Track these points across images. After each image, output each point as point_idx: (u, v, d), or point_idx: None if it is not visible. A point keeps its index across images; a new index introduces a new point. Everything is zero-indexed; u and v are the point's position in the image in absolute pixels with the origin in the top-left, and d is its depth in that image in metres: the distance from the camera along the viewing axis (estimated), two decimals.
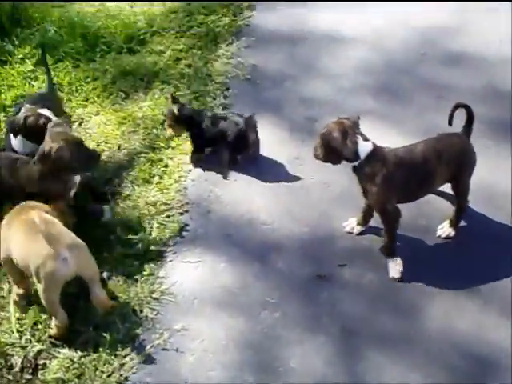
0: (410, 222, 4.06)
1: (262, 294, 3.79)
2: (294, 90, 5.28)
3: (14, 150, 4.19)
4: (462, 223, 4.07)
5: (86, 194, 4.26)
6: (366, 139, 3.72)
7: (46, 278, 3.36)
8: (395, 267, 3.85)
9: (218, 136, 4.54)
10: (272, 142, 4.69)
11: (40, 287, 3.42)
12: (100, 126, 5.01)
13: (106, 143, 4.87)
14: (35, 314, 3.69)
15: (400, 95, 5.19)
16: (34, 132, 4.08)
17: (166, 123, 4.76)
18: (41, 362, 3.49)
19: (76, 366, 3.42)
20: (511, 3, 5.99)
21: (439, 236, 4.03)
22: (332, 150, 3.75)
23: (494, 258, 3.91)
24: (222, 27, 5.97)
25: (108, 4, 6.37)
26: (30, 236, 3.44)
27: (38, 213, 3.54)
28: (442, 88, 5.16)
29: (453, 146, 3.84)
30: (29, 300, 3.73)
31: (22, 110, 4.20)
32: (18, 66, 5.57)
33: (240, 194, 4.42)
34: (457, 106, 3.87)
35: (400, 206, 3.85)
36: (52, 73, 5.33)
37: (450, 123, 3.87)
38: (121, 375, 3.40)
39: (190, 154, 4.67)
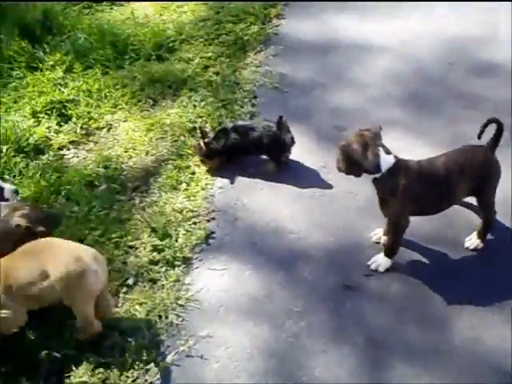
0: (438, 234, 4.05)
1: (287, 302, 3.78)
2: (322, 98, 5.28)
3: None
4: (491, 235, 4.03)
5: None
6: (388, 152, 3.69)
7: (84, 291, 3.37)
8: (383, 262, 3.88)
9: (254, 145, 4.57)
10: (299, 150, 4.68)
11: (74, 302, 3.43)
12: (128, 133, 5.04)
13: (133, 149, 4.90)
14: (61, 318, 3.70)
15: (428, 105, 5.16)
16: None
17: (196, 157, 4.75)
18: (67, 365, 3.50)
19: (101, 370, 3.42)
20: (511, 3, 5.99)
21: (467, 248, 3.99)
22: (353, 163, 3.73)
23: None
24: (250, 35, 6.00)
25: (137, 12, 6.42)
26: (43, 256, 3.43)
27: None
28: (470, 98, 5.13)
29: (476, 160, 3.79)
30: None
31: None
32: (48, 72, 5.62)
33: (266, 202, 4.42)
34: (489, 122, 3.82)
35: (427, 217, 3.83)
36: (81, 79, 5.41)
37: (479, 137, 3.82)
38: (145, 381, 3.41)
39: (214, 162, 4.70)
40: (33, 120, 5.15)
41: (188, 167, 4.69)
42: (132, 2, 6.62)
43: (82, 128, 5.11)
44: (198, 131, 4.69)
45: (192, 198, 4.44)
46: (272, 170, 4.60)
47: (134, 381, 3.39)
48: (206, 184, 4.56)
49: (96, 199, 4.45)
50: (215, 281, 3.93)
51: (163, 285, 3.88)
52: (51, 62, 5.73)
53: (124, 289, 3.88)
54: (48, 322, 3.68)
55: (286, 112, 4.68)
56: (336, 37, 5.98)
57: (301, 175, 4.59)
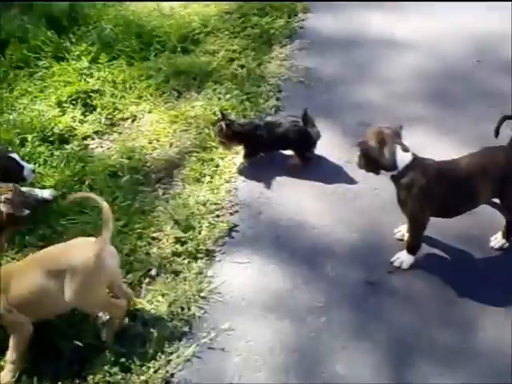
0: (463, 232, 4.02)
1: (310, 297, 3.77)
2: (347, 94, 5.26)
3: None
4: None
5: None
6: (405, 149, 3.68)
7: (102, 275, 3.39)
8: (406, 259, 3.86)
9: (280, 140, 4.55)
10: (323, 145, 4.65)
11: (91, 296, 3.44)
12: (152, 124, 5.05)
13: (157, 141, 4.90)
14: None
15: (453, 103, 5.12)
16: None
17: (216, 139, 4.72)
18: (89, 354, 3.51)
19: (123, 360, 3.43)
20: (511, 3, 5.93)
21: (492, 247, 3.96)
22: (370, 160, 3.73)
23: None
24: (276, 29, 5.98)
25: (163, 4, 6.42)
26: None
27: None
28: (497, 96, 5.07)
29: (497, 162, 3.72)
30: None
31: None
32: (74, 62, 5.64)
33: (290, 196, 4.41)
34: (505, 118, 3.78)
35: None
36: (107, 70, 5.43)
37: (496, 135, 3.77)
38: (167, 372, 3.41)
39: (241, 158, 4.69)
40: (58, 109, 5.18)
41: (212, 160, 4.68)
42: None
43: (106, 118, 5.14)
44: (219, 114, 4.66)
45: (215, 191, 4.44)
46: (297, 165, 4.58)
47: (155, 372, 3.40)
48: (230, 177, 4.56)
49: (119, 190, 4.46)
50: (238, 274, 3.93)
51: (186, 277, 3.89)
52: (77, 53, 5.75)
53: (147, 279, 3.89)
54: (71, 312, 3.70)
55: (310, 106, 4.65)
56: (362, 32, 5.95)
57: (325, 170, 4.57)
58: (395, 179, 3.73)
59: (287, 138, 4.50)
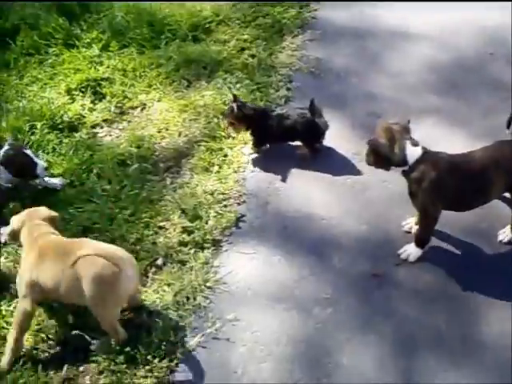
0: (471, 226, 4.01)
1: (316, 289, 3.76)
2: (358, 85, 5.21)
3: None
4: None
5: None
6: (415, 144, 3.66)
7: (114, 298, 3.35)
8: (414, 252, 3.84)
9: (288, 132, 4.53)
10: (333, 136, 4.62)
11: (100, 311, 3.40)
12: (162, 113, 5.03)
13: (166, 130, 4.89)
14: None
15: (466, 94, 5.07)
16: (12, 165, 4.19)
17: (225, 121, 4.71)
18: (94, 343, 3.52)
19: (128, 349, 3.43)
20: (511, 3, 5.85)
21: (500, 241, 3.93)
22: (381, 157, 3.72)
23: None
24: (287, 19, 5.92)
25: None
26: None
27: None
28: (509, 89, 5.02)
29: (510, 155, 3.69)
30: None
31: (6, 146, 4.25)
32: (84, 50, 5.63)
33: (298, 187, 4.39)
34: None
35: None
36: (117, 58, 5.42)
37: (508, 126, 3.74)
38: (171, 361, 3.42)
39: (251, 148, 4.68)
40: (67, 97, 5.18)
41: (221, 149, 4.67)
42: None
43: (115, 107, 5.13)
44: (231, 96, 4.64)
45: (223, 181, 4.43)
46: (305, 156, 4.56)
47: (159, 361, 3.41)
48: (238, 167, 4.54)
49: (127, 178, 4.46)
50: (244, 264, 3.92)
51: (192, 266, 3.89)
52: (88, 40, 5.73)
53: (153, 269, 3.90)
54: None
55: (320, 97, 4.64)
56: (374, 23, 5.89)
57: (334, 162, 4.54)
58: (406, 174, 3.71)
59: (295, 129, 4.48)
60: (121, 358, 3.40)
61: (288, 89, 5.18)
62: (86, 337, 3.52)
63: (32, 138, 4.70)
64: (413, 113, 4.75)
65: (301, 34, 5.79)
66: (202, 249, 3.99)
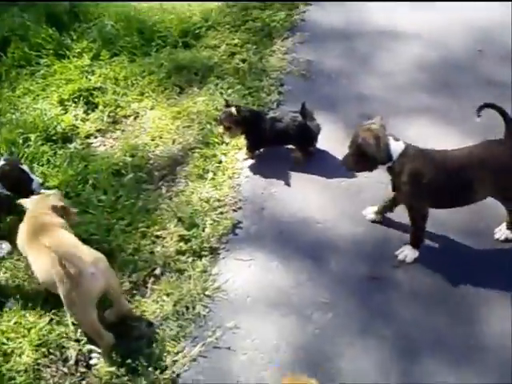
0: (468, 225, 4.04)
1: (315, 293, 3.77)
2: (349, 86, 5.23)
3: None
4: None
5: None
6: (396, 139, 3.70)
7: (80, 297, 3.34)
8: (410, 253, 3.86)
9: (281, 136, 4.54)
10: (326, 139, 4.63)
11: (74, 312, 3.44)
12: (155, 121, 5.03)
13: (160, 138, 4.89)
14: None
15: (456, 93, 5.09)
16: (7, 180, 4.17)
17: (219, 127, 4.69)
18: (95, 355, 3.53)
19: (129, 361, 3.45)
20: (511, 3, 5.87)
21: (497, 239, 3.95)
22: (367, 158, 3.73)
23: None
24: (277, 22, 5.94)
25: None
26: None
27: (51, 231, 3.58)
28: (500, 85, 5.04)
29: (497, 155, 3.69)
30: None
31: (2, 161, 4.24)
32: (75, 60, 5.63)
33: (294, 191, 4.40)
34: (485, 106, 3.78)
35: (457, 209, 3.79)
36: (108, 67, 5.43)
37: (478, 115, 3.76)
38: (173, 372, 3.43)
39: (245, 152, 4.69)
40: (60, 108, 5.17)
41: (215, 156, 4.68)
42: None
43: (108, 116, 5.13)
44: (224, 102, 4.64)
45: (219, 187, 4.44)
46: (299, 159, 4.57)
47: (161, 372, 3.42)
48: (233, 173, 4.55)
49: (123, 188, 4.46)
50: (242, 271, 3.93)
51: (190, 275, 3.89)
52: (78, 50, 5.73)
53: (151, 279, 3.90)
54: None
55: (312, 100, 4.65)
56: (363, 24, 5.91)
57: (328, 165, 4.54)
58: (391, 169, 3.74)
59: (287, 133, 4.49)
60: (122, 371, 3.42)
61: (279, 92, 5.20)
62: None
63: (26, 150, 4.69)
64: (404, 112, 4.81)
65: (290, 37, 5.81)
66: (200, 257, 4.00)
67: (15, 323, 3.68)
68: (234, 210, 4.30)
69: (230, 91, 5.18)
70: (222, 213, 4.27)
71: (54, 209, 3.73)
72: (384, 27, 5.81)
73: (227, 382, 3.39)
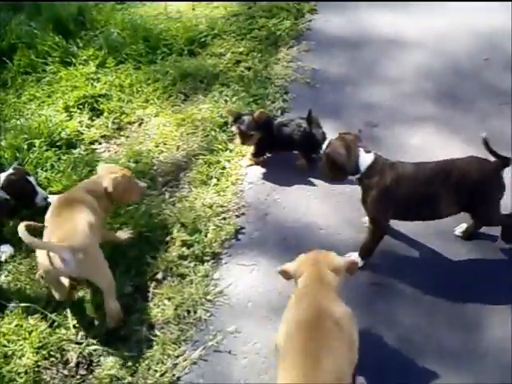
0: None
1: None
2: (354, 94, 5.24)
3: None
4: None
5: None
6: (368, 151, 3.71)
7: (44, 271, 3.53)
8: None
9: (286, 142, 4.55)
10: None
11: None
12: (159, 127, 5.05)
13: (164, 144, 4.91)
14: (91, 312, 3.75)
15: (462, 101, 5.09)
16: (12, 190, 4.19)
17: (237, 138, 4.64)
18: (95, 358, 3.53)
19: (130, 364, 3.45)
20: (511, 3, 5.90)
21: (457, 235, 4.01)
22: (338, 167, 3.75)
23: None
24: (282, 30, 5.96)
25: (170, 7, 6.42)
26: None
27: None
28: (506, 94, 5.04)
29: (468, 173, 3.64)
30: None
31: (10, 169, 4.26)
32: (81, 67, 5.67)
33: (297, 197, 4.40)
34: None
35: (462, 216, 3.82)
36: (114, 74, 5.45)
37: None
38: (173, 375, 3.43)
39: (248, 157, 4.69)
40: (65, 114, 5.20)
41: (218, 162, 4.68)
42: None
43: (113, 122, 5.15)
44: (230, 115, 4.67)
45: (222, 193, 4.44)
46: (303, 166, 4.57)
47: (161, 375, 3.41)
48: (237, 179, 4.55)
49: None
50: (244, 276, 3.92)
51: (192, 280, 3.89)
52: (84, 57, 5.78)
53: (153, 283, 3.90)
54: (78, 317, 3.72)
55: (317, 107, 4.66)
56: (369, 32, 5.93)
57: None
58: (360, 181, 3.76)
59: (292, 139, 4.49)
60: (123, 373, 3.41)
61: (284, 100, 5.21)
62: None
63: (31, 155, 4.71)
64: (409, 120, 4.80)
65: (296, 45, 5.83)
66: (202, 262, 4.00)
67: (16, 326, 3.69)
68: (237, 216, 4.30)
69: (234, 99, 5.19)
70: (224, 218, 4.27)
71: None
72: (389, 35, 5.82)
73: None
